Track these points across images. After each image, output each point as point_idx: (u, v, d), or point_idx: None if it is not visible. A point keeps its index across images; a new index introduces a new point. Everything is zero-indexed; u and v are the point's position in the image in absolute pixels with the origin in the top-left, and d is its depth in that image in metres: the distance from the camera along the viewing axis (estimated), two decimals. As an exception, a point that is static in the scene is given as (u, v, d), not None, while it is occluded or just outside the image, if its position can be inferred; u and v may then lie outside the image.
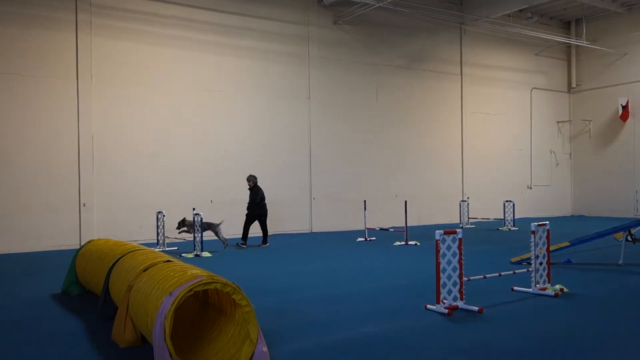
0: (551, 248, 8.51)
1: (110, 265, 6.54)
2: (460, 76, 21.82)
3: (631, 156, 22.99)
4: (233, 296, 4.73)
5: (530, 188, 23.78)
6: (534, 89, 24.05)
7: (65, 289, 8.15)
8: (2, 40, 13.58)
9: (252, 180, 14.15)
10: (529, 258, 8.42)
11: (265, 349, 4.82)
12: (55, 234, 14.04)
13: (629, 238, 10.91)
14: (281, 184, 17.34)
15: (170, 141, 15.65)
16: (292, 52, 17.76)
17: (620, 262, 10.26)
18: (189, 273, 4.88)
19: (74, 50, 14.35)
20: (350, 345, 5.46)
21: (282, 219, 17.21)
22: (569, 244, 10.87)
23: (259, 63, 17.13)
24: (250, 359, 4.71)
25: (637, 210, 22.14)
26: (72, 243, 14.08)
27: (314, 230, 17.98)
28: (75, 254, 8.29)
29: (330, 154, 18.38)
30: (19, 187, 13.71)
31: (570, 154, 25.35)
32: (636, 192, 22.65)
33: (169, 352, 4.34)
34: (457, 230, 6.86)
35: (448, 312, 6.60)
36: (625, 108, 22.86)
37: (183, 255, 11.97)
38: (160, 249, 12.86)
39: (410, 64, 20.44)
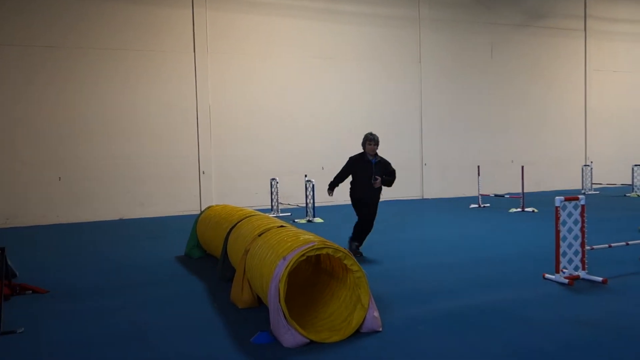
0: (689, 216, 7.75)
1: (228, 230, 6.88)
2: (584, 32, 20.23)
3: None
4: (344, 261, 4.80)
5: (664, 151, 21.74)
6: (669, 42, 21.76)
7: (187, 252, 8.71)
8: (119, 17, 14.47)
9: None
10: (662, 227, 7.75)
11: (376, 313, 4.87)
12: (178, 200, 15.01)
13: None
14: (392, 150, 17.17)
15: (284, 110, 16.03)
16: (402, 15, 17.34)
17: None
18: (301, 238, 5.01)
19: (190, 25, 15.01)
20: (463, 314, 5.36)
21: (393, 186, 17.10)
22: None
23: (369, 28, 16.93)
24: (362, 322, 4.79)
25: None
26: (192, 209, 15.00)
27: (425, 197, 17.74)
28: (195, 220, 8.82)
29: (442, 120, 17.92)
30: (144, 157, 14.75)
31: None
32: None
33: (284, 314, 4.51)
34: (580, 196, 6.45)
35: (568, 282, 6.26)
36: None
37: (296, 221, 12.33)
38: (274, 215, 13.33)
39: (529, 20, 19.23)
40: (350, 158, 8.31)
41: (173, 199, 14.97)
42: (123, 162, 14.56)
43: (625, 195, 16.82)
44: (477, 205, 14.72)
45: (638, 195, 16.74)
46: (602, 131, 20.65)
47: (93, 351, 4.58)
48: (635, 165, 17.49)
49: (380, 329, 4.85)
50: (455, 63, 18.20)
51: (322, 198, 15.09)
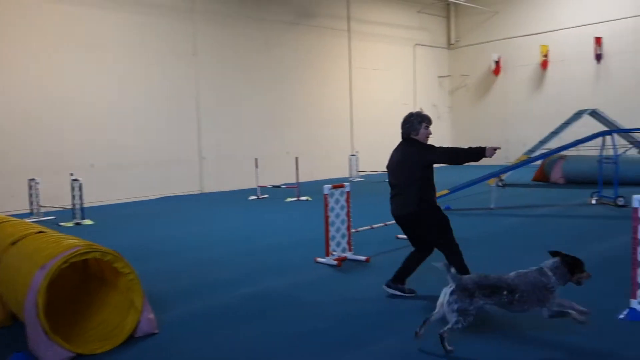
0: (432, 197, 8.92)
1: (-26, 240, 5.98)
2: (347, 32, 22.00)
3: (502, 108, 24.62)
4: (114, 264, 4.51)
5: (415, 141, 24.75)
6: (417, 45, 24.80)
7: None
8: None
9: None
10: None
11: (151, 315, 4.67)
12: None
13: (500, 183, 11.75)
14: (169, 143, 16.74)
15: (44, 101, 14.44)
16: (175, 5, 16.88)
17: (492, 206, 11.04)
18: (64, 243, 4.57)
19: None
20: (241, 303, 5.44)
21: (170, 181, 16.68)
22: (448, 191, 11.52)
23: (137, 17, 16.13)
24: (136, 326, 4.55)
25: (507, 157, 23.87)
26: None
27: (205, 191, 17.64)
28: None
29: (219, 113, 17.92)
30: None
31: (450, 107, 26.67)
32: (507, 141, 24.35)
33: (44, 329, 4.06)
34: (345, 184, 6.98)
35: (337, 263, 6.76)
36: (497, 63, 24.29)
37: (61, 224, 11.27)
38: (35, 220, 12.00)
39: (299, 19, 20.25)
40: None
41: None
42: None
43: (385, 181, 18.73)
44: (256, 197, 15.10)
45: (395, 180, 18.80)
46: (365, 123, 22.70)
47: None
48: (392, 154, 19.63)
49: (157, 331, 4.67)
50: (232, 57, 18.34)
51: (93, 198, 14.06)
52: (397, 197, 5.42)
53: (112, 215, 12.77)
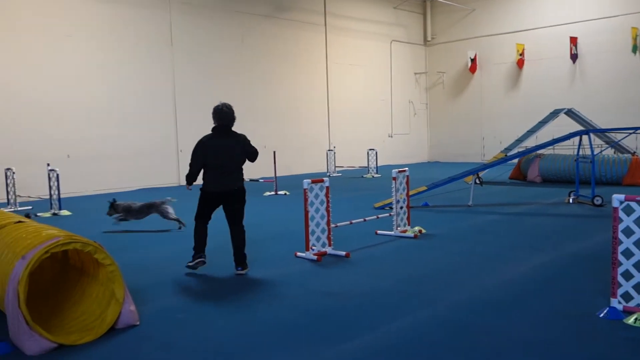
0: (410, 193, 9.05)
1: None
2: (324, 27, 22.01)
3: (479, 106, 24.93)
4: (95, 255, 4.50)
5: (391, 137, 24.96)
6: (393, 41, 24.94)
7: None
8: None
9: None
10: (391, 203, 8.90)
11: (132, 307, 4.67)
12: None
13: (477, 181, 11.93)
14: (146, 135, 16.59)
15: (20, 90, 14.18)
16: (151, -4, 16.71)
17: (470, 203, 11.22)
18: (44, 234, 4.56)
19: None
20: (220, 296, 5.47)
21: (147, 173, 16.54)
22: (426, 188, 11.66)
23: (112, 5, 15.91)
24: (117, 318, 4.55)
25: (484, 155, 24.22)
26: None
27: (182, 184, 17.51)
28: None
29: (195, 105, 17.79)
30: None
31: (427, 104, 26.89)
32: (483, 138, 24.71)
33: (25, 319, 4.05)
34: (324, 179, 7.04)
35: (317, 258, 6.82)
36: (473, 61, 24.57)
37: (39, 215, 11.12)
38: (12, 210, 11.83)
39: (275, 12, 20.19)
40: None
41: None
42: None
43: (362, 177, 18.89)
44: (233, 190, 15.06)
45: (373, 176, 18.95)
46: (342, 118, 22.78)
47: None
48: (370, 149, 19.77)
49: (138, 323, 4.68)
50: (208, 49, 18.22)
51: (70, 189, 13.91)
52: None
53: (89, 206, 12.62)
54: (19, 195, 12.46)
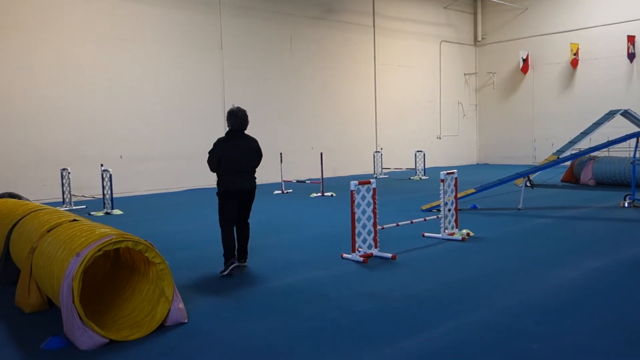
0: (459, 195, 8.89)
1: (10, 227, 6.14)
2: (372, 28, 21.92)
3: (530, 107, 24.30)
4: (146, 254, 4.60)
5: (440, 138, 24.63)
6: (443, 42, 24.61)
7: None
8: None
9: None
10: (439, 205, 8.77)
11: (181, 305, 4.75)
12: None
13: (528, 184, 11.62)
14: (193, 137, 16.90)
15: (75, 93, 14.71)
16: (201, 0, 17.02)
17: (520, 206, 10.93)
18: (97, 232, 4.68)
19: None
20: (267, 297, 5.50)
21: (195, 174, 16.84)
22: (474, 190, 11.44)
23: (164, 10, 16.30)
24: (166, 315, 4.64)
25: (535, 157, 23.58)
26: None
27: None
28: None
29: (245, 107, 17.96)
30: None
31: (476, 105, 26.41)
32: (534, 140, 24.07)
33: (79, 315, 4.17)
34: (371, 180, 7.00)
35: (363, 260, 6.78)
36: (525, 61, 23.98)
37: (92, 213, 11.49)
38: (67, 208, 12.26)
39: (324, 14, 20.24)
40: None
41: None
42: None
43: (409, 179, 18.71)
44: (280, 192, 15.18)
45: (420, 178, 18.74)
46: (389, 120, 22.63)
47: None
48: (417, 151, 19.56)
49: (186, 320, 4.75)
50: (258, 52, 18.43)
51: (122, 188, 14.32)
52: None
53: (139, 205, 12.96)
54: (74, 195, 12.90)
